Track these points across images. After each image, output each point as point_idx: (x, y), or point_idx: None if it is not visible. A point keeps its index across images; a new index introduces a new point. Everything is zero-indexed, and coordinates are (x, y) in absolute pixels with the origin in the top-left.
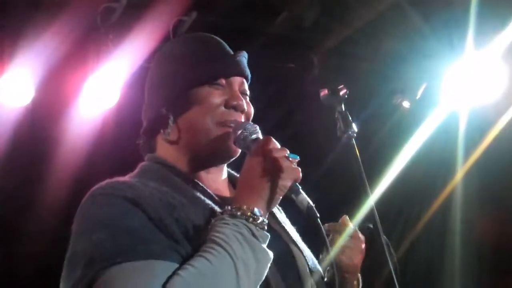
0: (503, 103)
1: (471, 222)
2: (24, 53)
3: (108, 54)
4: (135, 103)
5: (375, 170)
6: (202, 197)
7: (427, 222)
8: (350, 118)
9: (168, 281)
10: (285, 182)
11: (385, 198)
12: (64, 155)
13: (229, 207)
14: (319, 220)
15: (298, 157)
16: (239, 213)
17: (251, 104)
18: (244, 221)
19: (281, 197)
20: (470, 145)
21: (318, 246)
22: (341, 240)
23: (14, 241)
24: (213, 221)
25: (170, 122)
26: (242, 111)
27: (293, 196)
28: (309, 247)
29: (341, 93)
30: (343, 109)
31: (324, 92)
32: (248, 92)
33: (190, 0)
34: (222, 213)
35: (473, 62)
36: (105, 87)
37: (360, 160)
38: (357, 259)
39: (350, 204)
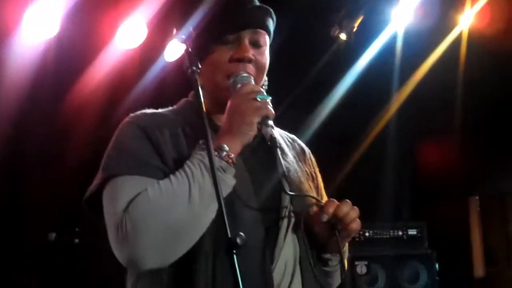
0: (437, 31)
1: (408, 151)
2: None
3: None
4: (76, 34)
5: (313, 102)
6: (213, 133)
7: (364, 152)
8: (194, 56)
9: (140, 192)
10: (251, 119)
11: (322, 130)
12: (4, 86)
13: (201, 142)
14: (278, 150)
15: (270, 97)
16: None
17: (265, 54)
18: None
19: (251, 133)
20: (405, 75)
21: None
22: None
23: None
24: (192, 153)
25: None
26: (249, 61)
27: (261, 128)
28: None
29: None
30: (189, 49)
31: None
32: (262, 42)
33: None
34: (197, 147)
35: None
36: (45, 17)
37: (202, 99)
38: None
39: None
